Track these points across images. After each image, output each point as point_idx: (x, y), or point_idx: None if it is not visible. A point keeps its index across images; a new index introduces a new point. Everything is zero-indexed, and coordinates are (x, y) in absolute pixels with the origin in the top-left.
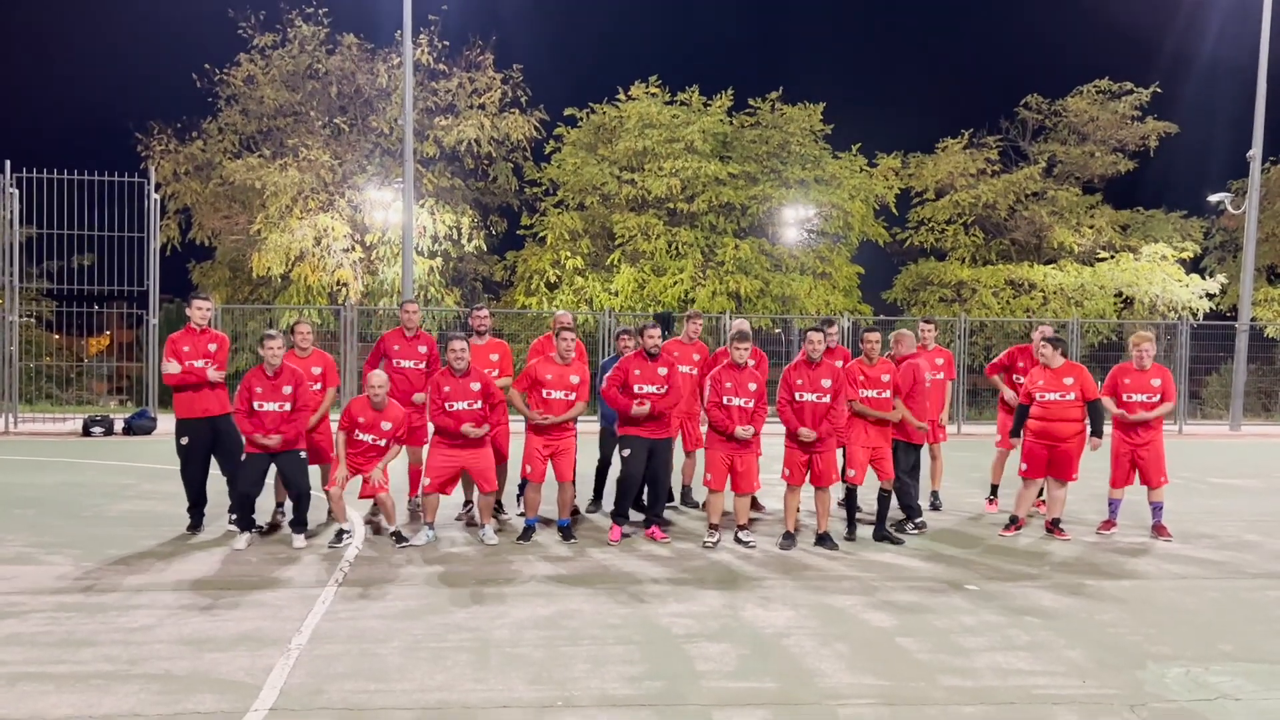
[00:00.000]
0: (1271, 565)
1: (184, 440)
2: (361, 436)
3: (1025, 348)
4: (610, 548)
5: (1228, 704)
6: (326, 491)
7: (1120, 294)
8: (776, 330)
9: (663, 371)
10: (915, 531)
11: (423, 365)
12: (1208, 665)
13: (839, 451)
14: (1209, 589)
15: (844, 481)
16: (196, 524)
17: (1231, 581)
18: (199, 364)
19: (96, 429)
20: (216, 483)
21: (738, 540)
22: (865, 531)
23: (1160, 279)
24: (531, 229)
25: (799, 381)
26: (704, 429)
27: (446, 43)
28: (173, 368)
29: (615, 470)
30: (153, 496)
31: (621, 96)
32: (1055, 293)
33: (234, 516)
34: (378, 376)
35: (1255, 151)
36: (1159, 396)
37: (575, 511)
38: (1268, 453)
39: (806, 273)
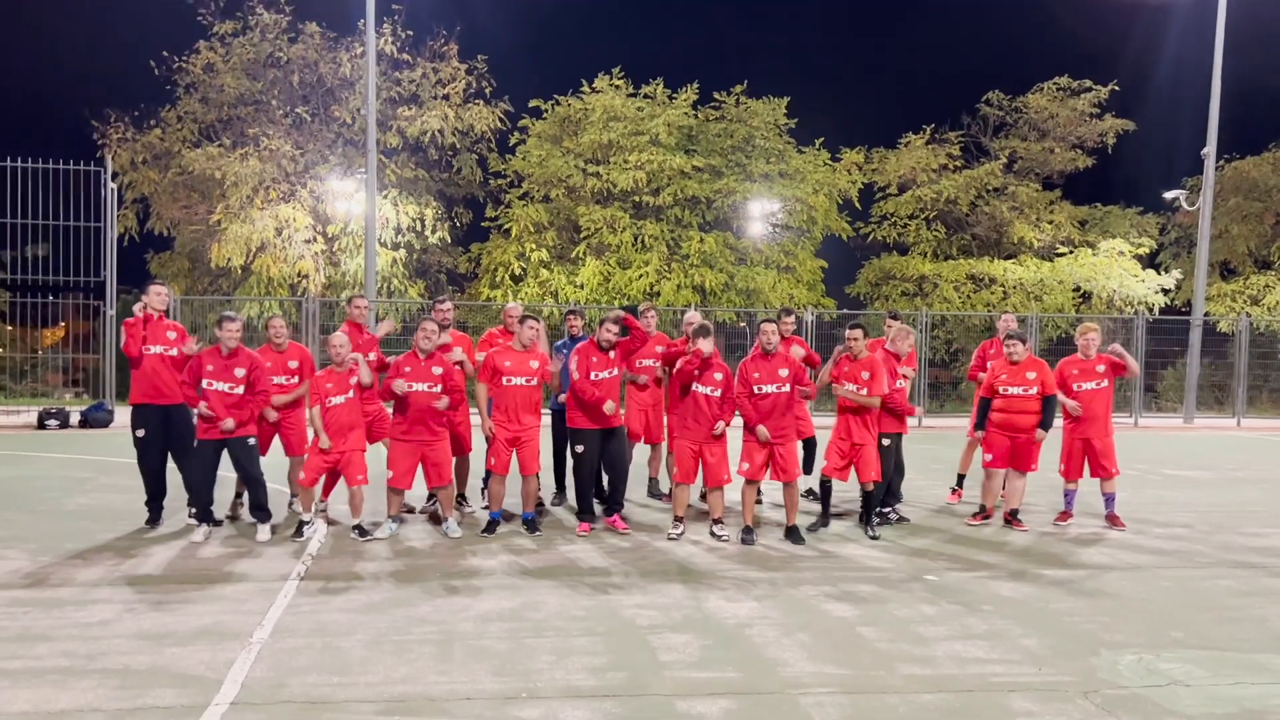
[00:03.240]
0: (1221, 555)
1: (139, 432)
2: (334, 401)
3: (993, 340)
4: (575, 540)
5: (1178, 690)
6: (297, 485)
7: (1078, 289)
8: (741, 324)
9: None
10: (892, 519)
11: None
12: (1159, 652)
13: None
14: (1161, 578)
15: (823, 475)
16: (155, 517)
17: (1183, 571)
18: (157, 349)
19: (52, 422)
20: (175, 475)
21: (712, 534)
22: (834, 525)
23: (1117, 274)
24: (496, 221)
25: (756, 374)
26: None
27: (410, 33)
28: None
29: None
30: (110, 490)
31: (586, 89)
32: (1015, 287)
33: (192, 510)
34: (338, 337)
35: (1209, 149)
36: (1107, 382)
37: (540, 504)
38: (1220, 445)
39: (771, 266)
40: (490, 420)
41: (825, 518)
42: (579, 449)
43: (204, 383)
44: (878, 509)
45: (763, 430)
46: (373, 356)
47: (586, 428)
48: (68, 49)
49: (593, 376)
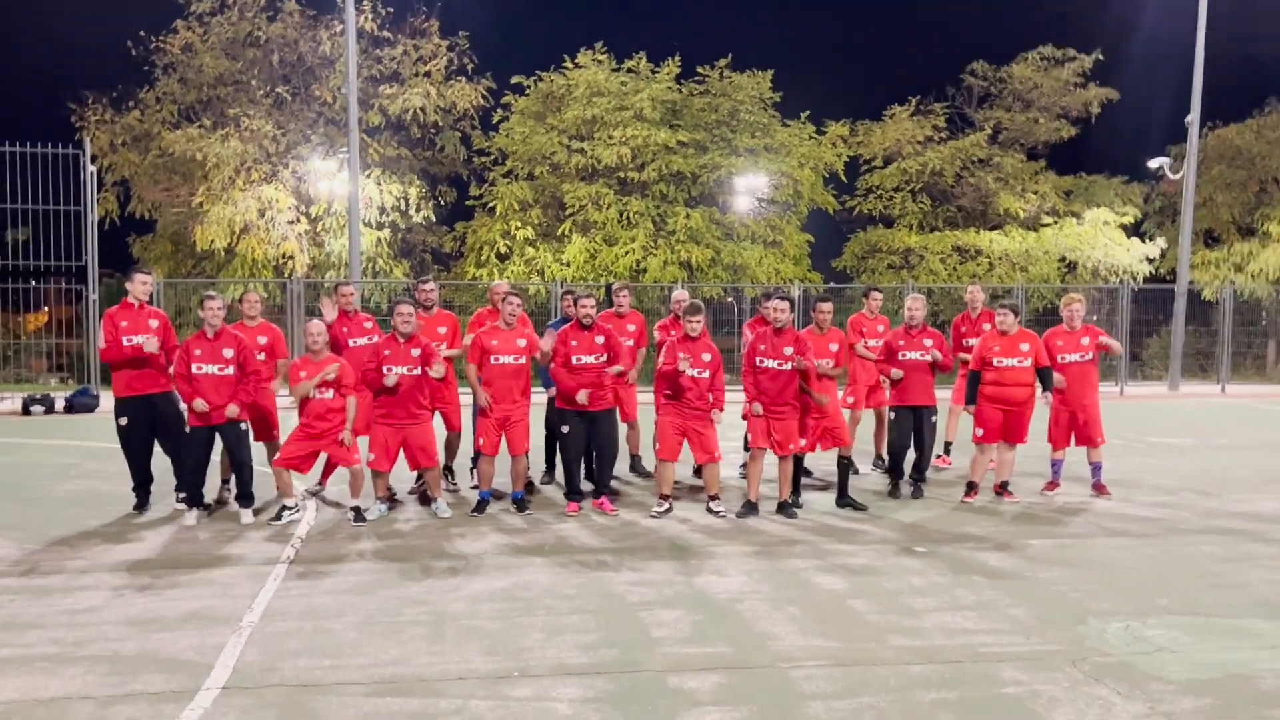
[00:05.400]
0: (1206, 522)
1: (123, 421)
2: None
3: (964, 315)
4: (565, 519)
5: (1164, 656)
6: (274, 467)
7: (1064, 259)
8: (728, 299)
9: (600, 340)
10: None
11: (375, 338)
12: (1145, 620)
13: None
14: (1146, 546)
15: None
16: (142, 503)
17: (1168, 538)
18: (139, 339)
19: (37, 408)
20: (162, 460)
21: (710, 510)
22: (815, 496)
23: (1102, 243)
24: (481, 199)
25: (762, 348)
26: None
27: (391, 9)
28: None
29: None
30: (97, 476)
31: (569, 64)
32: (1001, 258)
33: (181, 494)
34: (315, 325)
35: (1193, 117)
36: (1092, 354)
37: (529, 483)
38: (1205, 412)
39: (757, 241)
40: (485, 392)
41: (797, 490)
42: (565, 429)
43: (194, 367)
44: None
45: (757, 406)
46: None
47: (573, 409)
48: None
49: (573, 360)
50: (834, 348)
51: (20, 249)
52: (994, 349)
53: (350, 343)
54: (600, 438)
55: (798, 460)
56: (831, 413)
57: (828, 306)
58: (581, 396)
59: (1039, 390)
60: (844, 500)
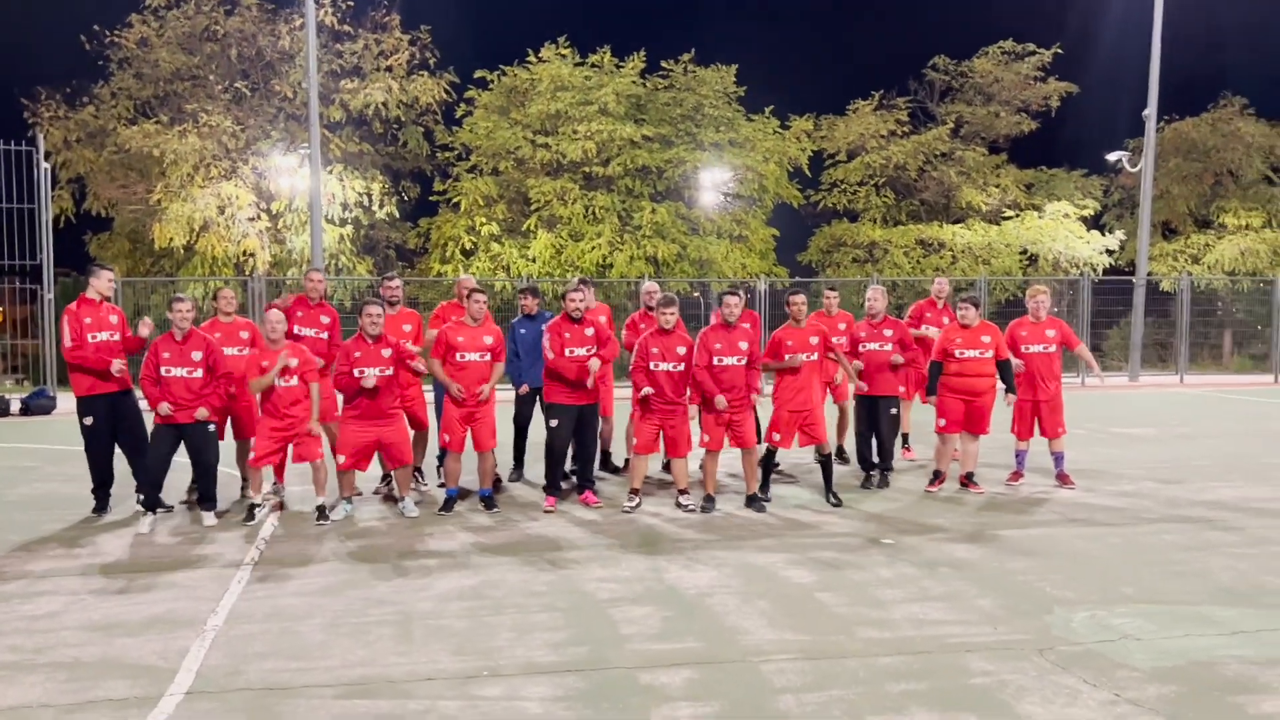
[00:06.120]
0: (1168, 510)
1: (88, 420)
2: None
3: (929, 301)
4: (534, 516)
5: (1129, 644)
6: (247, 467)
7: (1025, 251)
8: (695, 294)
9: (589, 332)
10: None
11: (324, 335)
12: (1111, 608)
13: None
14: (1110, 535)
15: (767, 444)
16: (102, 505)
17: (1131, 528)
18: (103, 336)
19: None
20: (122, 461)
21: (678, 505)
22: (783, 490)
23: (1063, 236)
24: (445, 195)
25: (717, 345)
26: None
27: (351, 3)
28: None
29: (535, 435)
30: (55, 478)
31: (532, 58)
32: (964, 251)
33: (141, 496)
34: (274, 314)
35: (1150, 111)
36: (1055, 347)
37: (497, 481)
38: (1165, 402)
39: (723, 236)
40: (452, 382)
41: (766, 485)
42: (554, 423)
43: (162, 370)
44: (884, 470)
45: (721, 400)
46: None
47: (563, 403)
48: None
49: (567, 353)
50: (814, 340)
51: None
52: (956, 340)
53: (296, 329)
54: (585, 431)
55: (769, 455)
56: (809, 408)
57: (801, 299)
58: (592, 377)
59: (1001, 389)
60: (831, 495)
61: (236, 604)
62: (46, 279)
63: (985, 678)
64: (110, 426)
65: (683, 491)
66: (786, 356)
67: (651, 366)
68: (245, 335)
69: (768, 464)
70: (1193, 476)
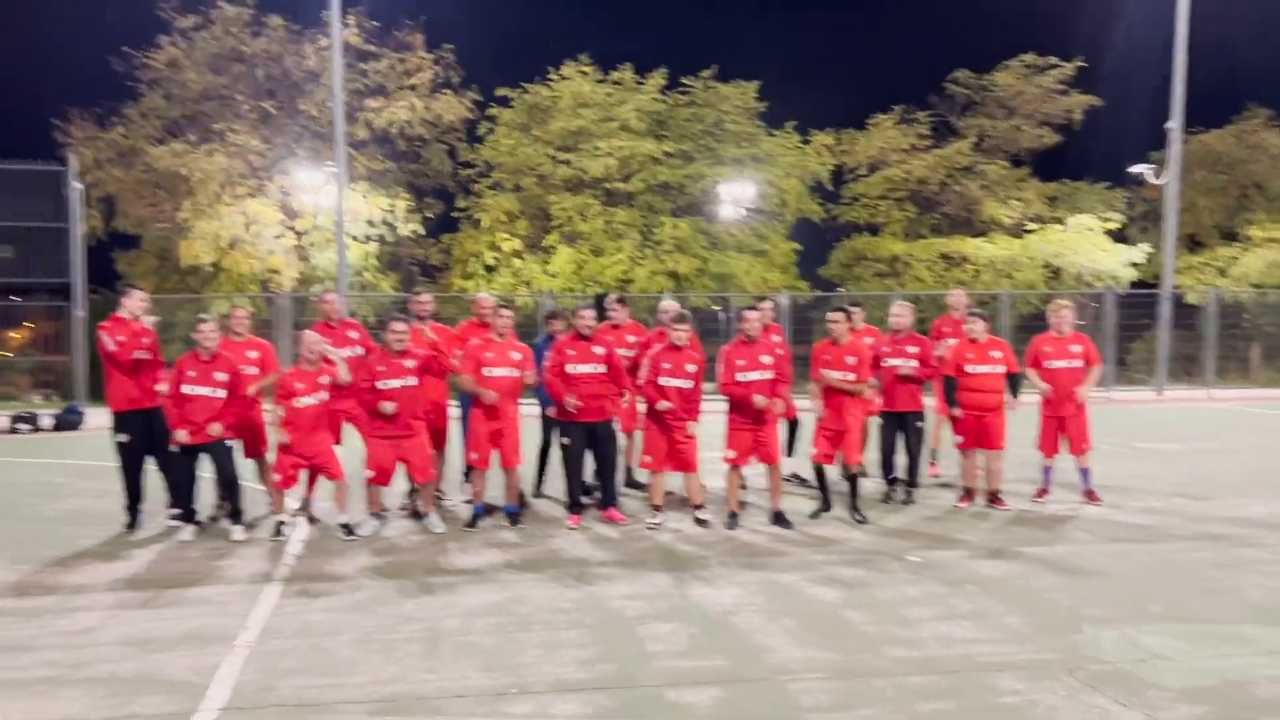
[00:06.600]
0: (1197, 527)
1: (123, 437)
2: (302, 403)
3: (945, 317)
4: (559, 533)
5: (1160, 664)
6: (272, 487)
7: (1048, 265)
8: (715, 309)
9: (599, 351)
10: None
11: (359, 350)
12: (1140, 627)
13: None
14: (1138, 552)
15: (811, 461)
16: (134, 521)
17: (1160, 544)
18: (137, 355)
19: (23, 426)
20: (153, 477)
21: (697, 521)
22: (808, 505)
23: (1087, 249)
24: (467, 211)
25: (740, 361)
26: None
27: (376, 23)
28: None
29: (557, 452)
30: (87, 494)
31: (554, 75)
32: (987, 265)
33: (174, 511)
34: (310, 336)
35: (1175, 123)
36: (1080, 362)
37: (522, 497)
38: (1191, 417)
39: (744, 251)
40: (488, 392)
41: (826, 503)
42: (565, 441)
43: (184, 387)
44: (909, 487)
45: (760, 397)
46: (346, 353)
47: (572, 420)
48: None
49: (567, 369)
50: (851, 360)
51: (4, 266)
52: (968, 356)
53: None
54: (602, 448)
55: (820, 474)
56: (849, 427)
57: (839, 316)
58: (569, 403)
59: (1008, 397)
60: (855, 513)
61: (267, 620)
62: (76, 296)
63: (1015, 697)
64: (145, 442)
65: (698, 507)
66: (822, 372)
67: (661, 382)
68: (254, 355)
69: (822, 482)
70: (1221, 492)
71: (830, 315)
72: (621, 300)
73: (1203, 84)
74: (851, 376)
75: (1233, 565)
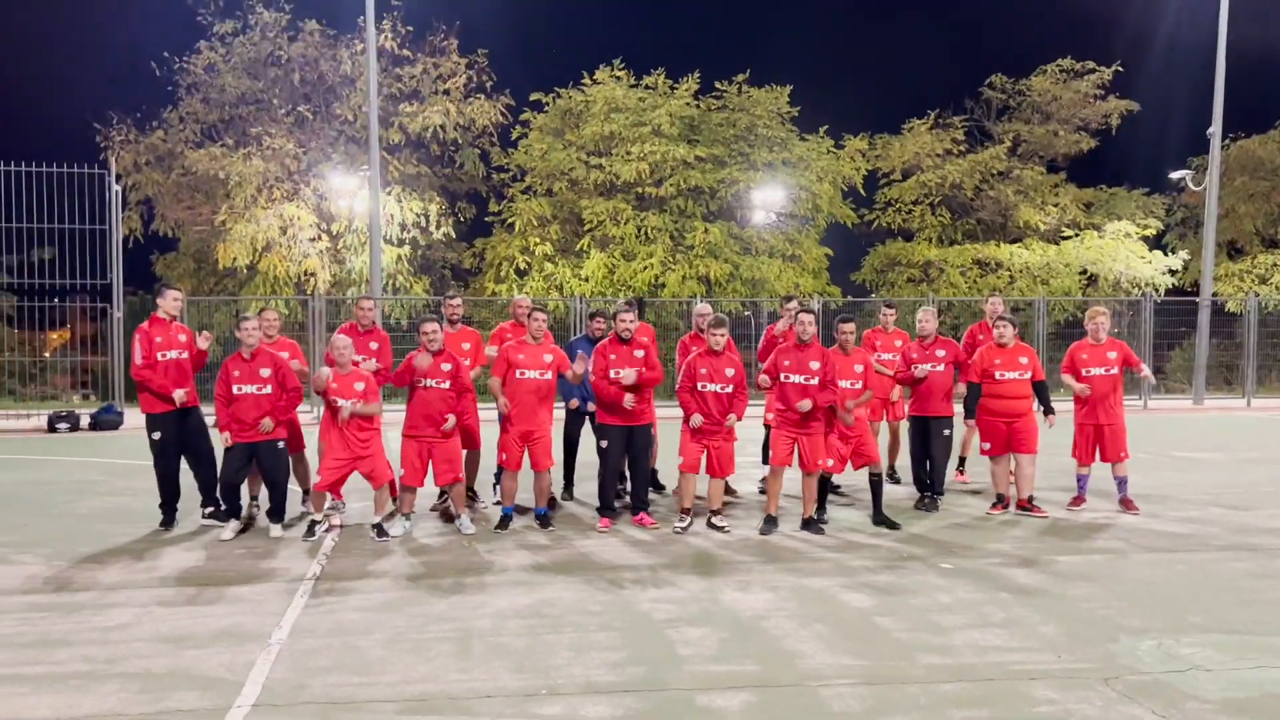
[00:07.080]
0: (1236, 537)
1: (156, 435)
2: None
3: (981, 324)
4: (589, 535)
5: (1199, 675)
6: (314, 490)
7: (1085, 271)
8: (746, 313)
9: (639, 354)
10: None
11: (374, 365)
12: (1178, 637)
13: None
14: (1176, 562)
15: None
16: (169, 519)
17: (1198, 554)
18: (172, 354)
19: (62, 425)
20: (188, 475)
21: (710, 525)
22: (840, 513)
23: (1124, 256)
24: (500, 215)
25: (787, 363)
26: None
27: (410, 28)
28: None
29: (586, 455)
30: (123, 492)
31: (587, 80)
32: (1021, 271)
33: (208, 510)
34: (341, 339)
35: (1215, 129)
36: (1116, 369)
37: (552, 500)
38: (1230, 425)
39: (776, 255)
40: (504, 399)
41: (822, 507)
42: (604, 444)
43: (233, 388)
44: (933, 494)
45: (804, 402)
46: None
47: (612, 424)
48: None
49: (612, 375)
50: (859, 369)
51: (45, 268)
52: (995, 362)
53: None
54: (638, 453)
55: (824, 477)
56: (860, 431)
57: (850, 327)
58: (628, 401)
59: (1041, 414)
60: (879, 518)
61: (300, 618)
62: (116, 298)
63: (1050, 706)
64: (177, 441)
65: (715, 512)
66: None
67: (699, 387)
68: (284, 356)
69: (824, 487)
70: (1261, 502)
71: (842, 326)
72: (630, 304)
73: (1244, 89)
74: (859, 385)
75: (1273, 576)
